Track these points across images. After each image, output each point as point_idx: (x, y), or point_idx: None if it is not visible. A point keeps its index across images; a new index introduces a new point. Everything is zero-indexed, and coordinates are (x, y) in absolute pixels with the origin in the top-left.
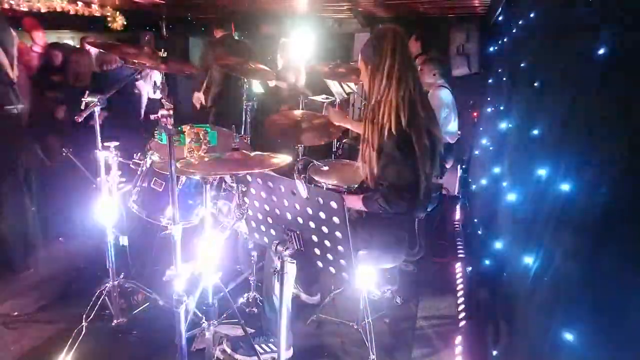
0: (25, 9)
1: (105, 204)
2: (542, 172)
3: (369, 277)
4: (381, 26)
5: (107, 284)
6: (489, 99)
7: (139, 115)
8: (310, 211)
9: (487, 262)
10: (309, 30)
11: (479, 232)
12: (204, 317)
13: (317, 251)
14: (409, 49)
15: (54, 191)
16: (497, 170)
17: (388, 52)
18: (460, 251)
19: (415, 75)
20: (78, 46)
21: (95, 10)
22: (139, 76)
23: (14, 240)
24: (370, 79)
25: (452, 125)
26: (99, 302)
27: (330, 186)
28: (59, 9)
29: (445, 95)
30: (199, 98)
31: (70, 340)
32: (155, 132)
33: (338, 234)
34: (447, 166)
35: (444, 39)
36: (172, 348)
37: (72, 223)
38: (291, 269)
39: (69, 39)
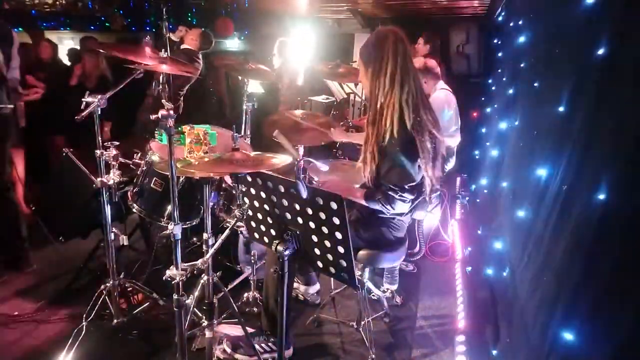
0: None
1: (106, 203)
2: (542, 172)
3: (368, 277)
4: (381, 27)
5: (107, 284)
6: (489, 99)
7: None
8: (310, 211)
9: (486, 262)
10: (308, 31)
11: (479, 231)
12: (204, 317)
13: (317, 251)
14: (409, 50)
15: (54, 191)
16: (497, 170)
17: (390, 55)
18: (460, 251)
19: (417, 77)
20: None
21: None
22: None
23: (13, 240)
24: (372, 82)
25: (455, 128)
26: (99, 302)
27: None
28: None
29: (447, 97)
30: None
31: (70, 340)
32: (156, 132)
33: (338, 234)
34: (448, 167)
35: (444, 39)
36: (172, 348)
37: (72, 223)
38: (291, 269)
39: (69, 39)
